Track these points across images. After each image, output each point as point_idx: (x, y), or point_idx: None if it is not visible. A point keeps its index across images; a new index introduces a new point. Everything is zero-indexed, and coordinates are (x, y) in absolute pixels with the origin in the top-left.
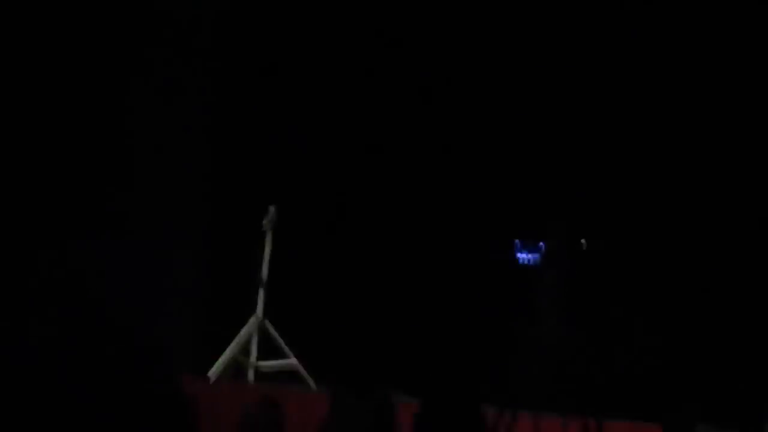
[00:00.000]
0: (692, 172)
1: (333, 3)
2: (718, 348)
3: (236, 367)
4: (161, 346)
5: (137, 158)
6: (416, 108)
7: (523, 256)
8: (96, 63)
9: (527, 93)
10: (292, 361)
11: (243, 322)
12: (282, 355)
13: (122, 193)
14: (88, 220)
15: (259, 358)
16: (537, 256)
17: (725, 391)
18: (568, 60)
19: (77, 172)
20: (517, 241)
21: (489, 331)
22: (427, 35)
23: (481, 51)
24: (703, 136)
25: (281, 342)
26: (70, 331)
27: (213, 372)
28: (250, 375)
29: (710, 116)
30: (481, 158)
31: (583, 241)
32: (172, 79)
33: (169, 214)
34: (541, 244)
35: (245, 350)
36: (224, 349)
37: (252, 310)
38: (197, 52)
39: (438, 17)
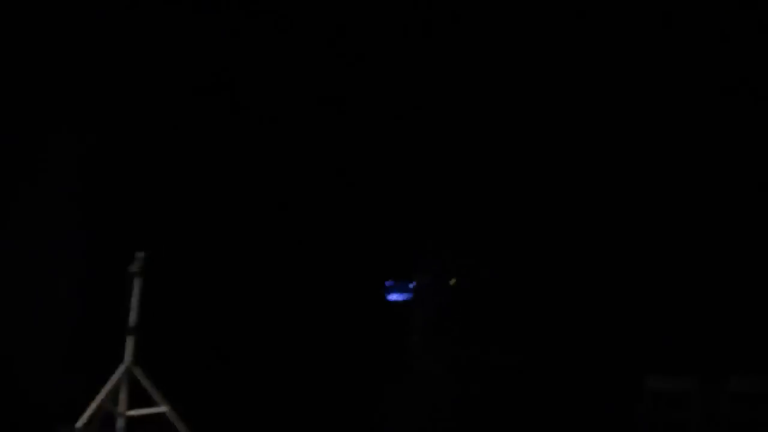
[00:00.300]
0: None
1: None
2: (590, 381)
3: (105, 416)
4: (31, 398)
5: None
6: (289, 152)
7: (394, 296)
8: None
9: (394, 138)
10: (163, 408)
11: (112, 370)
12: (153, 403)
13: None
14: None
15: (129, 406)
16: (408, 294)
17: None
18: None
19: None
20: (388, 280)
21: (363, 372)
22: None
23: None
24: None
25: (152, 389)
26: None
27: (82, 422)
28: (120, 423)
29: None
30: (352, 199)
31: (452, 279)
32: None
33: (37, 259)
34: (412, 283)
35: (114, 398)
36: (93, 398)
37: (121, 357)
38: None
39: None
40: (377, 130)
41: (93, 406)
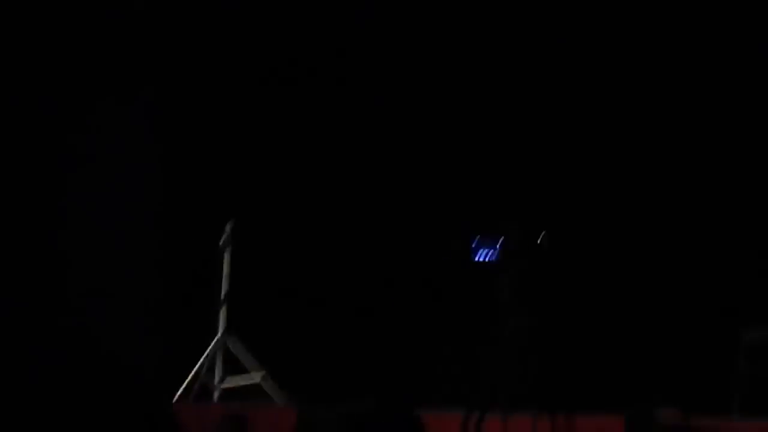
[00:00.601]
0: (645, 168)
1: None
2: (677, 338)
3: (202, 387)
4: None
5: (91, 179)
6: (373, 114)
7: (481, 254)
8: (47, 79)
9: (483, 96)
10: (259, 376)
11: (206, 341)
12: (248, 371)
13: (78, 214)
14: (43, 244)
15: (224, 375)
16: (495, 253)
17: (686, 380)
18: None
19: (32, 195)
20: (475, 239)
21: (453, 333)
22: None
23: (435, 54)
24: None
25: (247, 358)
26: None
27: (180, 393)
28: (216, 393)
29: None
30: (437, 159)
31: (541, 235)
32: (123, 99)
33: (127, 236)
34: (499, 241)
35: (211, 369)
36: (190, 370)
37: (216, 328)
38: (149, 71)
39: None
40: (464, 96)
41: (191, 377)
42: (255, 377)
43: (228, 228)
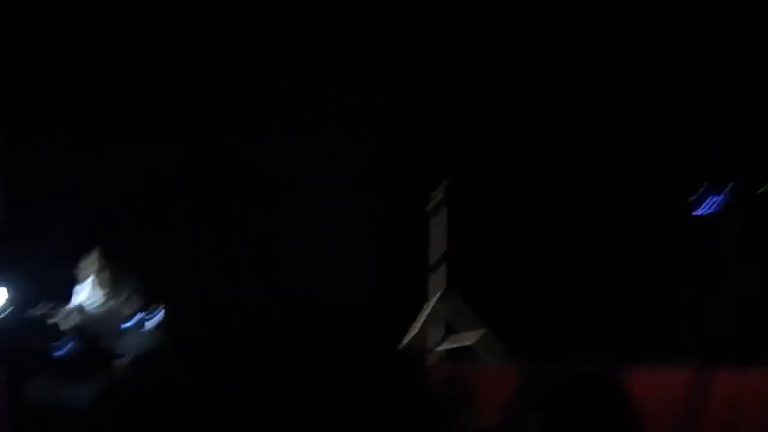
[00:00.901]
0: None
1: None
2: None
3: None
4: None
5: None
6: (591, 77)
7: (705, 206)
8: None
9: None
10: (479, 335)
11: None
12: (468, 332)
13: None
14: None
15: (446, 335)
16: (721, 204)
17: None
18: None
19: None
20: (699, 191)
21: (677, 288)
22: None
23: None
24: None
25: (468, 319)
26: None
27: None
28: (437, 352)
29: None
30: (656, 112)
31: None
32: (335, 68)
33: (350, 203)
34: (723, 193)
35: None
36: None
37: (436, 288)
38: (358, 38)
39: None
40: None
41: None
42: (475, 338)
43: (435, 195)
